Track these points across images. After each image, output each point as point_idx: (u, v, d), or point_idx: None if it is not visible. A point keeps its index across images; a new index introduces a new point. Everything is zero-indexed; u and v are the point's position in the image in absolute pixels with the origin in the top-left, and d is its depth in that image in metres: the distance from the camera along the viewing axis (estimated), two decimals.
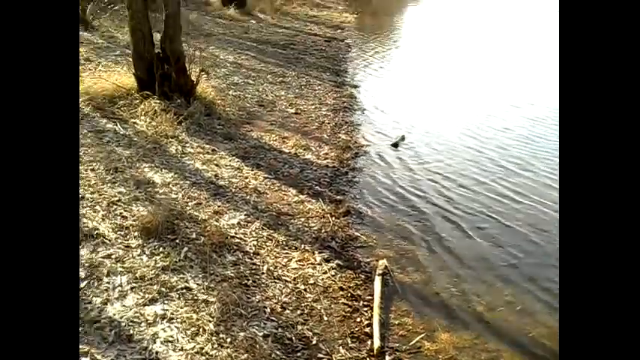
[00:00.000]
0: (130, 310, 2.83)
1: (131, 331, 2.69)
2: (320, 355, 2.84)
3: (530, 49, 12.22)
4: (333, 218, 4.25)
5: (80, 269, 3.03)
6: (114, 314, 2.78)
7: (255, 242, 3.72)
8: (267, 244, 3.75)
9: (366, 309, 3.27)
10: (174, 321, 2.81)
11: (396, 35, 15.05)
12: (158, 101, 5.67)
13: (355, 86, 8.61)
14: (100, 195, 3.92)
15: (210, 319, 2.85)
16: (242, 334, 2.80)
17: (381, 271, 3.58)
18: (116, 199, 3.91)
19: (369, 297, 3.37)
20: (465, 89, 8.67)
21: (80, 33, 8.79)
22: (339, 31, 14.21)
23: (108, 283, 3.01)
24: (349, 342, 2.99)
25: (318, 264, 3.64)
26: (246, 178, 4.73)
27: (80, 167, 4.29)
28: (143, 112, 5.50)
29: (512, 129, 6.75)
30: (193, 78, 6.04)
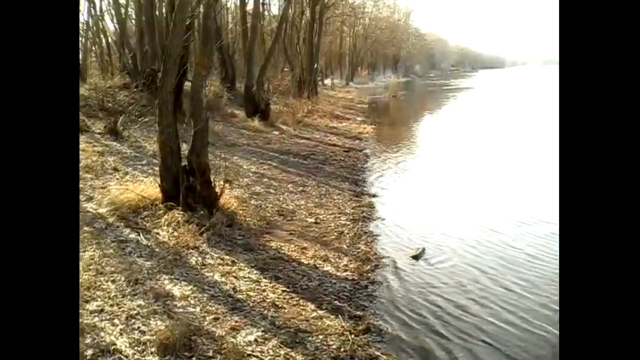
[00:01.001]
0: None
1: None
2: None
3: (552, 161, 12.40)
4: (353, 336, 4.11)
5: None
6: None
7: None
8: None
9: None
10: None
11: (412, 145, 15.53)
12: (182, 212, 5.84)
13: (374, 195, 8.76)
14: (120, 308, 3.92)
15: None
16: None
17: None
18: (135, 312, 3.90)
19: None
20: (481, 201, 8.70)
21: (111, 143, 9.32)
22: (357, 141, 14.78)
23: None
24: None
25: None
26: (264, 291, 4.69)
27: (102, 278, 4.35)
28: (166, 223, 5.65)
29: (521, 248, 6.55)
30: (217, 189, 6.25)
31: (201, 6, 7.09)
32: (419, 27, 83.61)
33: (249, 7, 19.67)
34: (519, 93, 39.94)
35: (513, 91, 43.52)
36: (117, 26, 16.87)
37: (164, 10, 11.95)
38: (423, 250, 6.26)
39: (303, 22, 27.00)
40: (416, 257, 6.07)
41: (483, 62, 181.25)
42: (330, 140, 14.45)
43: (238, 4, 21.52)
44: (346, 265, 5.56)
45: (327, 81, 41.79)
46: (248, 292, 4.61)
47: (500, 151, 13.40)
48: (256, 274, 5.01)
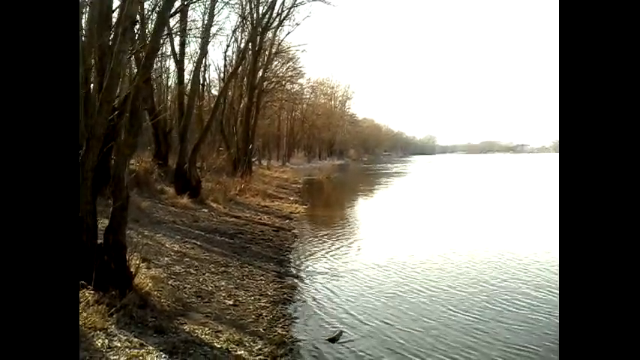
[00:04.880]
0: None
1: None
2: None
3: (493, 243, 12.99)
4: None
5: None
6: None
7: None
8: None
9: None
10: None
11: (342, 226, 15.85)
12: (93, 292, 5.61)
13: (298, 277, 8.80)
14: None
15: None
16: None
17: None
18: None
19: None
20: (403, 282, 8.91)
21: None
22: (287, 221, 14.95)
23: None
24: None
25: None
26: None
27: None
28: None
29: (449, 327, 6.82)
30: (132, 269, 6.10)
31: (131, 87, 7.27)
32: (355, 113, 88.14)
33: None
34: (444, 179, 42.23)
35: (439, 177, 45.97)
36: None
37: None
38: (341, 333, 6.30)
39: (241, 104, 27.83)
40: (332, 340, 6.09)
41: (415, 148, 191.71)
42: (260, 219, 14.52)
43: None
44: (260, 349, 5.48)
45: (264, 161, 42.49)
46: None
47: (424, 232, 13.95)
48: (164, 357, 4.83)
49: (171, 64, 24.85)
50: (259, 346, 5.57)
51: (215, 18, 21.14)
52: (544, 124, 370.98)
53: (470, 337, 6.21)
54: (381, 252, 11.27)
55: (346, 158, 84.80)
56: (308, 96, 60.69)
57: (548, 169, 52.40)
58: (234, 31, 27.16)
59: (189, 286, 7.11)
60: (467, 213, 18.74)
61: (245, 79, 27.32)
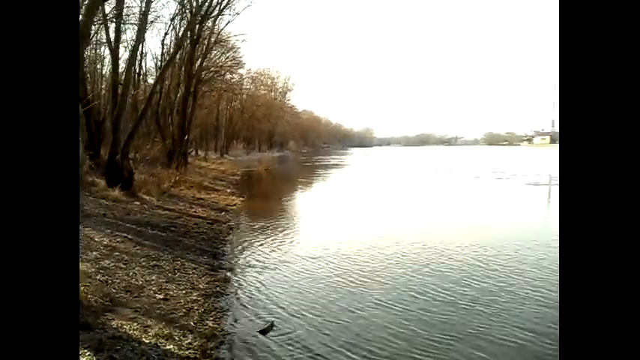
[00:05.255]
0: None
1: None
2: None
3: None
4: None
5: None
6: None
7: None
8: None
9: None
10: None
11: (279, 217, 15.93)
12: None
13: (231, 270, 8.82)
14: None
15: None
16: None
17: None
18: None
19: None
20: (337, 272, 9.12)
21: None
22: (223, 213, 14.85)
23: None
24: None
25: None
26: None
27: None
28: None
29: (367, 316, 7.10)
30: None
31: None
32: (295, 105, 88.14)
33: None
34: (379, 171, 43.22)
35: (375, 169, 46.99)
36: None
37: None
38: (272, 324, 6.41)
39: (178, 94, 27.16)
40: (264, 332, 6.18)
41: (353, 140, 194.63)
42: (195, 212, 14.33)
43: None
44: (190, 343, 5.49)
45: (201, 152, 41.71)
46: None
47: (359, 222, 14.29)
48: (89, 355, 4.75)
49: (105, 51, 23.86)
50: (189, 340, 5.57)
51: (153, 4, 20.51)
52: (477, 117, 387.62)
53: (395, 327, 6.49)
54: (316, 243, 11.47)
55: (286, 150, 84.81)
56: (248, 87, 60.07)
57: (472, 160, 55.15)
58: (172, 19, 26.43)
59: (118, 280, 6.96)
60: (397, 203, 19.34)
61: (183, 68, 26.66)
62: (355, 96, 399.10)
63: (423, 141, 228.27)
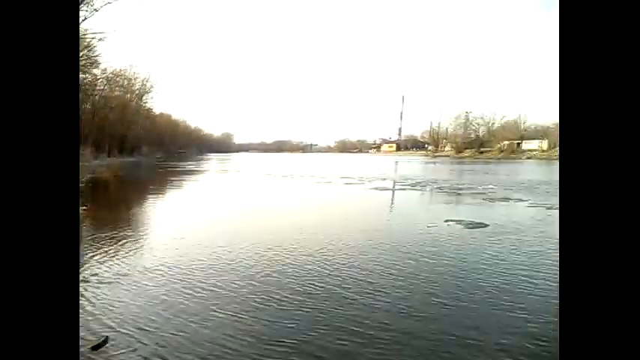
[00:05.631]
0: None
1: None
2: None
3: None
4: None
5: None
6: None
7: None
8: None
9: None
10: None
11: (126, 228, 15.14)
12: None
13: None
14: None
15: None
16: None
17: None
18: None
19: None
20: (185, 288, 9.03)
21: None
22: None
23: None
24: None
25: None
26: None
27: None
28: None
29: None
30: None
31: None
32: (152, 107, 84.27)
33: None
34: (234, 178, 43.26)
35: (231, 175, 46.91)
36: None
37: None
38: (106, 339, 6.19)
39: None
40: (96, 347, 5.96)
41: (212, 146, 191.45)
42: None
43: None
44: None
45: None
46: None
47: (209, 231, 14.22)
48: None
49: None
50: None
51: None
52: (330, 126, 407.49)
53: (230, 335, 6.70)
54: (163, 253, 11.19)
55: (139, 155, 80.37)
56: (102, 87, 55.99)
57: (325, 166, 57.97)
58: None
59: None
60: (245, 207, 19.62)
61: None
62: (216, 99, 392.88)
63: (280, 147, 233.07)
